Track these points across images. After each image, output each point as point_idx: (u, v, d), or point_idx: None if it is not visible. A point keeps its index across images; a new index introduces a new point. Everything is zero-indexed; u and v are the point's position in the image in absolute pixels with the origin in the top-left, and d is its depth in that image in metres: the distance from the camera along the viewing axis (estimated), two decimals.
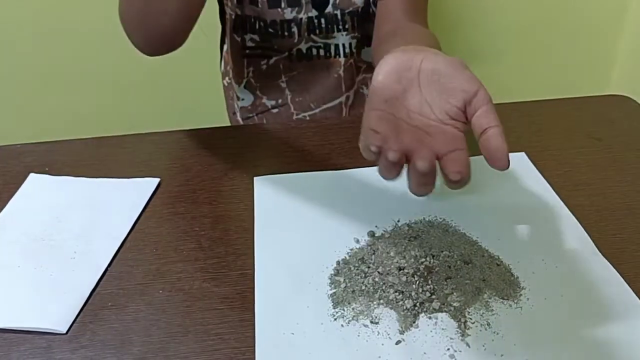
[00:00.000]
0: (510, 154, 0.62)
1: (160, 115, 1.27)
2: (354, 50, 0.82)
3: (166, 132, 0.72)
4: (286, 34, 0.80)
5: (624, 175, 0.61)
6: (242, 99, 0.88)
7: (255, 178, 0.62)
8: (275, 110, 0.86)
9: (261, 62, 0.84)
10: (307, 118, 0.85)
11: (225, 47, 0.88)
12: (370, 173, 0.63)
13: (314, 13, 0.80)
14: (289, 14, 0.79)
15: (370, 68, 0.83)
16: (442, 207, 0.56)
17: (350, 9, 0.80)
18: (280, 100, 0.86)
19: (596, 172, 0.61)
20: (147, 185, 0.62)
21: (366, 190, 0.60)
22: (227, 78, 0.90)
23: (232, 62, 0.85)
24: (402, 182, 0.60)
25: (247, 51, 0.83)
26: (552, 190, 0.58)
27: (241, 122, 0.89)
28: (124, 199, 0.61)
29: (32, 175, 0.65)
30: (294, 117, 0.86)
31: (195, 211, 0.59)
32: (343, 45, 0.82)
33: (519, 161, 0.63)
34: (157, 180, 0.63)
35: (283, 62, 0.83)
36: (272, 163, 0.65)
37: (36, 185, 0.64)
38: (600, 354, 0.41)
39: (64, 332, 0.46)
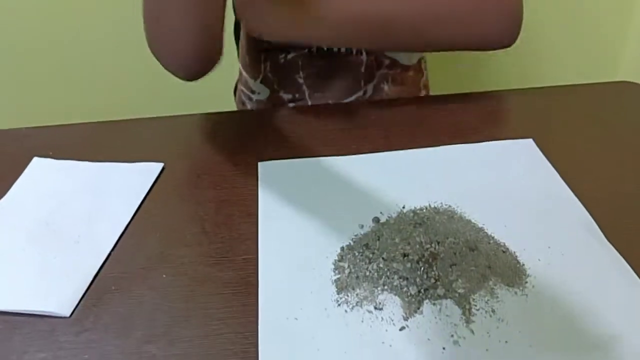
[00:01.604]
0: (518, 141, 0.63)
1: (164, 100, 1.26)
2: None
3: (170, 117, 0.72)
4: None
5: (632, 162, 0.60)
6: (258, 93, 0.86)
7: (259, 163, 0.62)
8: (291, 105, 0.84)
9: (279, 55, 0.81)
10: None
11: (240, 40, 0.86)
12: (376, 159, 0.62)
13: None
14: None
15: (394, 64, 0.81)
16: (448, 194, 0.55)
17: None
18: (297, 95, 0.84)
19: (604, 159, 0.61)
20: (151, 169, 0.62)
21: (371, 177, 0.59)
22: (243, 72, 0.88)
23: (247, 57, 0.84)
24: (407, 169, 0.60)
25: (265, 45, 0.80)
26: (560, 177, 0.57)
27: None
28: (128, 183, 0.60)
29: (35, 159, 0.65)
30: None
31: (199, 196, 0.58)
32: None
33: (527, 148, 0.62)
34: (161, 165, 0.62)
35: (302, 57, 0.80)
36: (277, 148, 0.65)
37: (40, 169, 0.64)
38: (605, 342, 0.41)
39: (68, 315, 0.46)
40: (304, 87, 0.83)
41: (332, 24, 0.66)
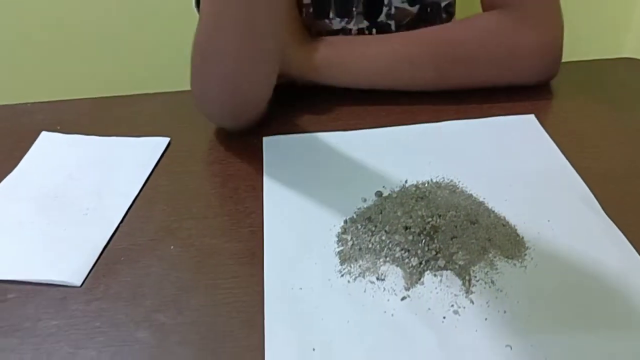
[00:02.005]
0: (520, 116, 0.64)
1: (170, 75, 1.26)
2: None
3: (176, 92, 0.73)
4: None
5: (633, 138, 0.61)
6: None
7: (264, 138, 0.63)
8: None
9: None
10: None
11: None
12: (379, 134, 0.63)
13: (365, 24, 0.75)
14: (337, 24, 0.74)
15: None
16: (450, 169, 0.56)
17: (407, 19, 0.74)
18: None
19: (605, 135, 0.61)
20: (157, 144, 0.63)
21: (374, 151, 0.60)
22: None
23: None
24: (410, 144, 0.61)
25: None
26: (560, 153, 0.58)
27: None
28: (135, 157, 0.61)
29: (44, 134, 0.66)
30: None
31: (205, 170, 0.59)
32: None
33: (528, 123, 0.63)
34: (167, 139, 0.63)
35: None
36: (281, 123, 0.65)
37: (48, 144, 0.65)
38: (602, 311, 0.42)
39: (79, 285, 0.47)
40: None
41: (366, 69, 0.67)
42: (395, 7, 0.74)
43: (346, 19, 0.74)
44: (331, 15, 0.74)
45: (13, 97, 0.75)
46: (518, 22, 0.65)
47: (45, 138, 0.65)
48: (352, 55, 0.67)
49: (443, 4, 0.76)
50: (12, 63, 1.29)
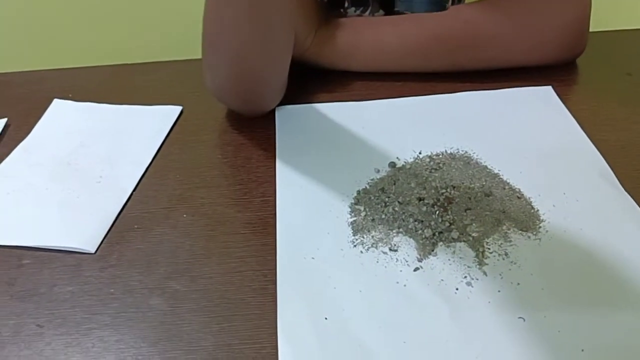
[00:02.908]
0: (537, 88, 0.63)
1: (182, 43, 1.25)
2: None
3: (188, 60, 0.72)
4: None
5: None
6: None
7: (277, 107, 0.62)
8: None
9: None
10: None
11: None
12: (393, 104, 0.62)
13: (380, 13, 0.73)
14: (352, 13, 0.73)
15: None
16: (465, 140, 0.56)
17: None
18: None
19: (623, 108, 0.60)
20: (169, 112, 0.63)
21: (388, 122, 0.59)
22: None
23: None
24: (425, 115, 0.60)
25: None
26: (577, 125, 0.57)
27: None
28: (147, 125, 0.61)
29: (56, 101, 0.66)
30: None
31: (217, 139, 0.59)
32: None
33: (546, 95, 0.62)
34: (179, 107, 0.63)
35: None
36: (294, 93, 0.65)
37: (60, 111, 0.65)
38: (616, 285, 0.42)
39: (93, 251, 0.48)
40: None
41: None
42: None
43: (361, 8, 0.73)
44: (346, 4, 0.73)
45: (26, 64, 0.74)
46: (544, 1, 0.63)
47: (58, 105, 0.65)
48: (373, 40, 0.65)
49: None
50: (25, 30, 1.29)
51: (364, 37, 0.65)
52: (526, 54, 0.65)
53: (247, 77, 0.57)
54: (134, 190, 0.53)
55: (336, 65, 0.67)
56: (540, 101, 0.61)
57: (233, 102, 0.62)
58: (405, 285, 0.42)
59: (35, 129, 0.62)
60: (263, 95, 0.60)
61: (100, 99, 0.65)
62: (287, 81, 0.61)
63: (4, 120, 0.63)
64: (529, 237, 0.46)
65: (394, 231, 0.47)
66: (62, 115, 0.64)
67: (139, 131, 0.61)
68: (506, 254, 0.44)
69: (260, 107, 0.62)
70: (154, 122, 0.62)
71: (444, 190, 0.48)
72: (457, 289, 0.42)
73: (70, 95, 0.66)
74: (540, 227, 0.46)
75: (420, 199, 0.48)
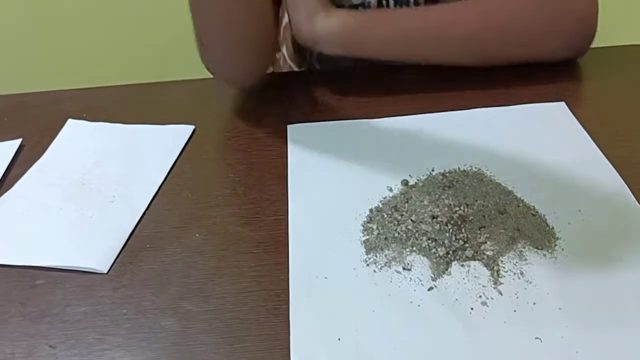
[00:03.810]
0: (550, 104, 0.62)
1: (194, 63, 1.27)
2: None
3: (200, 80, 0.72)
4: None
5: None
6: None
7: (288, 126, 0.62)
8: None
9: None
10: None
11: (283, 22, 0.82)
12: (405, 122, 0.62)
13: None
14: None
15: None
16: (478, 157, 0.55)
17: None
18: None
19: (637, 122, 0.60)
20: (182, 132, 0.63)
21: (400, 139, 0.59)
22: (287, 59, 0.85)
23: (291, 45, 0.82)
24: (437, 132, 0.60)
25: None
26: (592, 141, 0.57)
27: None
28: (160, 145, 0.62)
29: (70, 121, 0.66)
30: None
31: (229, 158, 0.59)
32: None
33: (559, 111, 0.62)
34: (192, 127, 0.63)
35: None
36: (306, 111, 0.65)
37: (74, 131, 0.65)
38: (635, 304, 0.41)
39: (106, 271, 0.48)
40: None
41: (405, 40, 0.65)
42: None
43: None
44: None
45: (41, 85, 0.75)
46: None
47: (72, 125, 0.66)
48: (386, 25, 0.65)
49: None
50: (40, 52, 1.31)
51: (380, 21, 0.65)
52: (540, 47, 0.65)
53: (235, 43, 0.62)
54: (146, 210, 0.54)
55: (350, 50, 0.66)
56: (553, 117, 0.61)
57: (227, 72, 0.66)
58: (419, 306, 0.42)
59: (49, 149, 0.62)
60: (251, 60, 0.66)
61: (113, 119, 0.66)
62: (274, 49, 0.68)
63: (19, 140, 0.63)
64: (545, 255, 0.45)
65: (408, 250, 0.46)
66: (76, 135, 0.64)
67: (151, 150, 0.61)
68: (521, 273, 0.44)
69: (252, 74, 0.67)
70: (166, 141, 0.62)
71: (457, 208, 0.48)
72: (472, 309, 0.41)
73: (84, 115, 0.67)
74: (556, 245, 0.46)
75: (433, 217, 0.47)
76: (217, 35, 0.62)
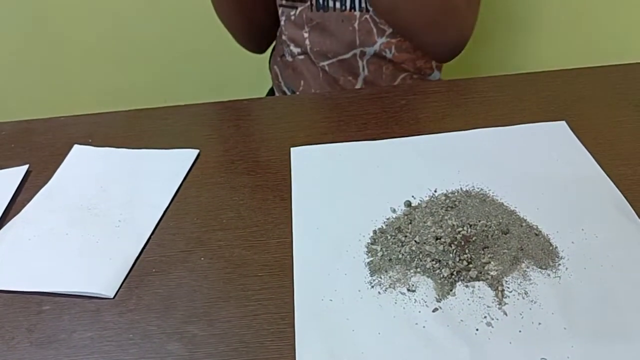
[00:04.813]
0: (550, 123, 0.63)
1: (198, 87, 1.28)
2: (370, 8, 0.81)
3: (204, 104, 0.73)
4: None
5: None
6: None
7: (292, 148, 0.63)
8: (301, 57, 0.89)
9: (290, 12, 0.86)
10: (326, 68, 0.86)
11: None
12: (407, 143, 0.62)
13: None
14: None
15: (394, 33, 0.82)
16: (479, 177, 0.56)
17: None
18: (302, 49, 0.88)
19: (637, 140, 0.60)
20: (187, 156, 0.64)
21: (403, 160, 0.60)
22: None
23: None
24: (439, 152, 0.60)
25: (279, 0, 0.88)
26: (593, 160, 0.57)
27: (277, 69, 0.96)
28: (165, 169, 0.62)
29: (76, 147, 0.67)
30: (315, 65, 0.88)
31: (234, 181, 0.60)
32: None
33: (559, 130, 0.62)
34: (196, 151, 0.64)
35: (306, 12, 0.84)
36: (308, 133, 0.65)
37: (80, 156, 0.66)
38: (639, 323, 0.41)
39: (112, 296, 0.48)
40: (307, 42, 0.86)
41: None
42: None
43: None
44: None
45: (47, 111, 0.76)
46: None
47: (78, 151, 0.67)
48: None
49: None
50: (46, 79, 1.33)
51: None
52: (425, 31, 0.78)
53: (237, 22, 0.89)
54: (152, 234, 0.54)
55: None
56: (554, 136, 0.61)
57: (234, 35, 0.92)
58: (424, 327, 0.42)
59: (55, 175, 0.63)
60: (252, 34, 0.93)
61: (119, 144, 0.67)
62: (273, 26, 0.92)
63: (26, 166, 0.64)
64: (549, 275, 0.45)
65: (412, 271, 0.46)
66: (82, 161, 0.65)
67: (157, 175, 0.61)
68: (526, 293, 0.44)
69: (255, 45, 0.96)
70: (171, 165, 0.63)
71: (460, 229, 0.48)
72: (477, 330, 0.42)
73: (90, 141, 0.68)
74: (559, 264, 0.46)
75: (437, 238, 0.47)
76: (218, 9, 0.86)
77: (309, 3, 0.83)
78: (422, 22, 0.76)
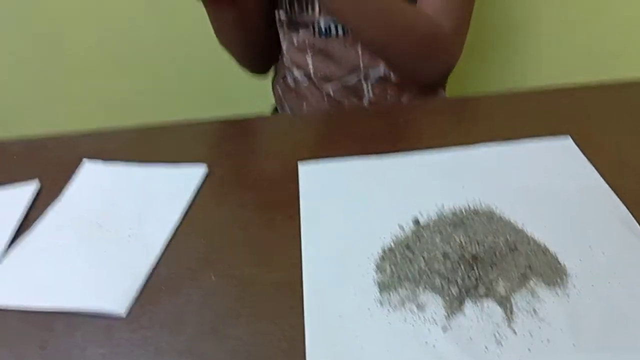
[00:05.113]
0: (555, 138, 0.63)
1: (206, 104, 1.29)
2: None
3: (212, 121, 0.74)
4: (309, 8, 0.82)
5: None
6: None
7: (299, 165, 0.63)
8: (304, 83, 0.89)
9: (293, 37, 0.86)
10: (330, 92, 0.87)
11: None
12: (413, 159, 0.63)
13: None
14: None
15: None
16: (486, 193, 0.56)
17: None
18: (305, 73, 0.88)
19: None
20: (195, 172, 0.64)
21: (410, 177, 0.60)
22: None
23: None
24: (445, 169, 0.61)
25: (280, 25, 0.88)
26: (599, 175, 0.57)
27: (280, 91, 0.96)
28: (174, 185, 0.63)
29: (86, 163, 0.68)
30: (319, 89, 0.88)
31: (242, 198, 0.60)
32: None
33: (564, 145, 0.63)
34: (205, 167, 0.64)
35: (308, 37, 0.85)
36: (315, 150, 0.66)
37: (90, 172, 0.66)
38: None
39: (123, 313, 0.48)
40: (310, 66, 0.87)
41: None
42: None
43: None
44: None
45: (56, 127, 0.77)
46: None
47: (88, 167, 0.67)
48: None
49: None
50: (56, 95, 1.34)
51: None
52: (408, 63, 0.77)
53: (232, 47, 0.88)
54: (161, 251, 0.54)
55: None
56: (559, 152, 0.62)
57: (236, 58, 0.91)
58: (434, 346, 0.42)
59: (65, 191, 0.64)
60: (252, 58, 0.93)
61: (128, 160, 0.67)
62: (273, 51, 0.93)
63: (36, 182, 0.65)
64: (557, 292, 0.45)
65: (421, 288, 0.47)
66: (92, 177, 0.66)
67: (166, 191, 0.62)
68: (534, 311, 0.44)
69: (257, 68, 0.96)
70: (180, 181, 0.63)
71: (468, 246, 0.48)
72: (486, 348, 0.42)
73: (99, 157, 0.68)
74: (568, 282, 0.46)
75: (445, 255, 0.48)
76: (218, 34, 0.84)
77: (311, 29, 0.83)
78: (403, 52, 0.75)
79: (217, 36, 0.85)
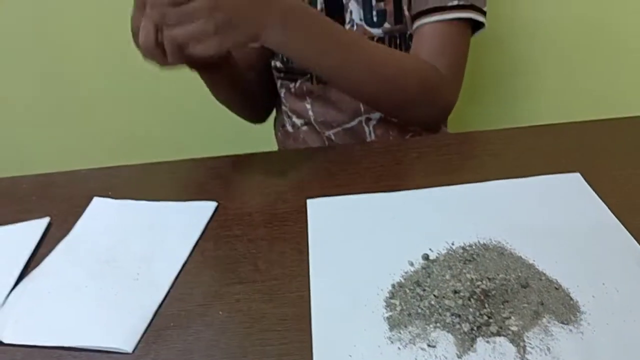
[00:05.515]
0: (565, 175, 0.63)
1: (215, 140, 1.30)
2: None
3: (221, 157, 0.75)
4: None
5: None
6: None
7: (308, 200, 0.64)
8: (304, 128, 0.89)
9: (290, 85, 0.87)
10: (332, 137, 0.87)
11: None
12: (422, 195, 0.63)
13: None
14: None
15: None
16: (497, 230, 0.56)
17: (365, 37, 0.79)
18: (305, 120, 0.89)
19: None
20: (205, 208, 0.64)
21: (419, 213, 0.60)
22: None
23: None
24: (454, 204, 0.61)
25: (277, 73, 0.89)
26: (610, 212, 0.57)
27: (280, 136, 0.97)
28: (184, 222, 0.63)
29: (95, 199, 0.68)
30: (320, 134, 0.88)
31: (251, 234, 0.60)
32: None
33: (574, 182, 0.62)
34: (214, 204, 0.65)
35: (306, 84, 0.85)
36: (324, 186, 0.66)
37: (100, 209, 0.67)
38: None
39: (130, 351, 0.48)
40: (310, 113, 0.87)
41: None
42: (357, 25, 0.81)
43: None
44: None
45: (67, 164, 0.78)
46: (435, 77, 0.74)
47: (97, 203, 0.68)
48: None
49: (409, 33, 0.81)
50: (66, 133, 1.36)
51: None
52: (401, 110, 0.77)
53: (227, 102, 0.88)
54: (170, 288, 0.54)
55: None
56: (569, 188, 0.62)
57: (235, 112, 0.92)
58: None
59: (75, 228, 0.64)
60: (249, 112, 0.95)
61: (138, 196, 0.67)
62: (270, 101, 0.96)
63: (47, 219, 0.65)
64: (571, 330, 0.45)
65: (431, 326, 0.46)
66: (101, 213, 0.66)
67: (175, 227, 0.62)
68: (548, 349, 0.43)
69: (255, 118, 0.98)
70: (190, 218, 0.63)
71: (479, 282, 0.48)
72: None
73: (109, 193, 0.69)
74: (581, 319, 0.46)
75: (456, 292, 0.47)
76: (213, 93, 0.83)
77: (308, 76, 0.84)
78: (399, 101, 0.74)
79: (214, 95, 0.83)
